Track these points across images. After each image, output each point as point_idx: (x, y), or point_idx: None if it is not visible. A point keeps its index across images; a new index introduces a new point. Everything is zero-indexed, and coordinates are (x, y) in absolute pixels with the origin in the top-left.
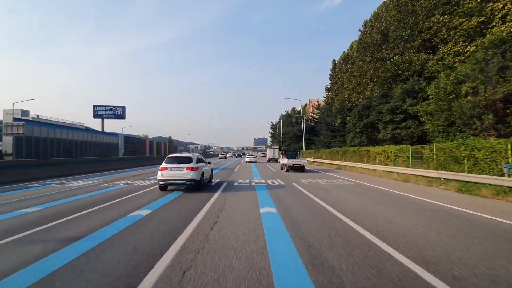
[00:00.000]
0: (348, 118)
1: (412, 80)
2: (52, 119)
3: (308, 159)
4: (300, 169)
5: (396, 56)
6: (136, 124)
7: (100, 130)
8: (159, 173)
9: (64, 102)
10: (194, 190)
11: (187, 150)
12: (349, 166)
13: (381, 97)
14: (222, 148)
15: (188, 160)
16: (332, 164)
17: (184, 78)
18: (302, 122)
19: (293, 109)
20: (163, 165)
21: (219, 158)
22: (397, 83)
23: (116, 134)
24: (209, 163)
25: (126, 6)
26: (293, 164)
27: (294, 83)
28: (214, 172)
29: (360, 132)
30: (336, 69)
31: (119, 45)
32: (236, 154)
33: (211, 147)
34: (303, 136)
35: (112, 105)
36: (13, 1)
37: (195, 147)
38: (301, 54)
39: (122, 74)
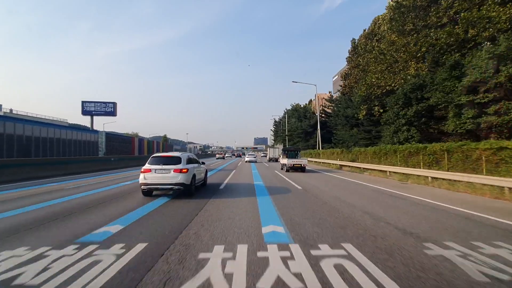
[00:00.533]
0: (376, 108)
1: (503, 39)
2: (29, 115)
3: (332, 161)
4: (300, 169)
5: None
6: (135, 124)
7: (84, 127)
8: (141, 176)
9: (65, 101)
10: None
11: (184, 150)
12: (433, 177)
13: (450, 69)
14: (221, 147)
15: (176, 160)
16: (385, 171)
17: (184, 78)
18: (317, 114)
19: (297, 104)
20: (146, 166)
21: (217, 158)
22: (467, 50)
23: (95, 131)
24: (203, 163)
25: (128, 7)
26: (293, 164)
27: (295, 83)
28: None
29: (407, 124)
30: (358, 49)
31: (119, 45)
32: (236, 154)
33: (211, 147)
34: (318, 132)
35: (102, 101)
36: (13, 1)
37: (194, 147)
38: (302, 54)
39: (121, 74)
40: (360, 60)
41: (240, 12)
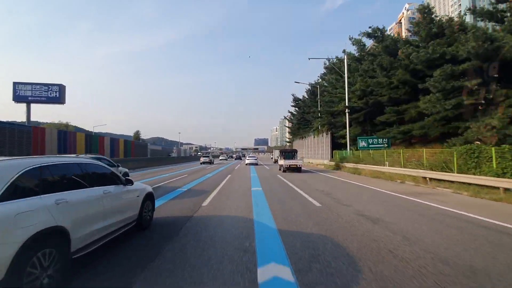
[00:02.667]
0: None
1: None
2: None
3: None
4: (297, 169)
5: None
6: (134, 124)
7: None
8: None
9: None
10: None
11: (169, 152)
12: None
13: None
14: (221, 148)
15: None
16: None
17: (183, 78)
18: None
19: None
20: None
21: (202, 163)
22: None
23: None
24: (129, 182)
25: (128, 7)
26: (289, 165)
27: (296, 83)
28: None
29: None
30: None
31: (119, 45)
32: (235, 156)
33: (209, 148)
34: None
35: (42, 82)
36: (13, 1)
37: (189, 148)
38: (302, 54)
39: (121, 74)
40: None
41: (240, 12)
